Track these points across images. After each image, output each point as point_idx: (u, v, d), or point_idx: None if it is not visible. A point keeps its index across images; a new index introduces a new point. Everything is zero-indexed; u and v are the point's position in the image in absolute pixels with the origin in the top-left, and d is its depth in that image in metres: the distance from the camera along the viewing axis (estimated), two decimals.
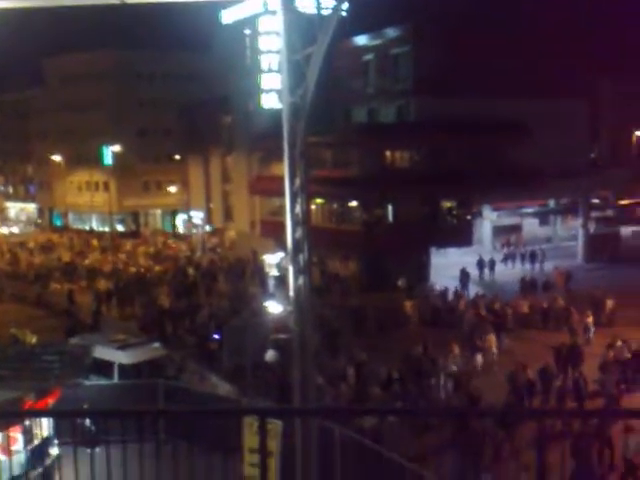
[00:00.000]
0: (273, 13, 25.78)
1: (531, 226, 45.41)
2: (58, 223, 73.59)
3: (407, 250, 35.79)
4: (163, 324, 28.58)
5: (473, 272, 35.38)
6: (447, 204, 39.00)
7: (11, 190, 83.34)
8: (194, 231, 58.33)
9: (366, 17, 36.30)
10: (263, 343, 23.14)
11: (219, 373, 22.47)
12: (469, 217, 39.16)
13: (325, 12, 14.85)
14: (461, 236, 37.92)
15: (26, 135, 74.22)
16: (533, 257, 38.42)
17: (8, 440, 14.01)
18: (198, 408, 5.88)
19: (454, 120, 36.06)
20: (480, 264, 36.81)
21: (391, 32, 40.72)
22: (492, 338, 23.87)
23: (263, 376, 21.99)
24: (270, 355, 22.58)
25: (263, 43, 41.15)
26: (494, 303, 28.85)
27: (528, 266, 38.20)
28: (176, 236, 60.77)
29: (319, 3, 14.80)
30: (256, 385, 21.27)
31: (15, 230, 64.98)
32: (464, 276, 34.37)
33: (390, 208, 38.06)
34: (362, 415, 16.60)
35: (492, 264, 37.29)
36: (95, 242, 56.87)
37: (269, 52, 40.35)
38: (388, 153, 39.71)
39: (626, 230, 47.01)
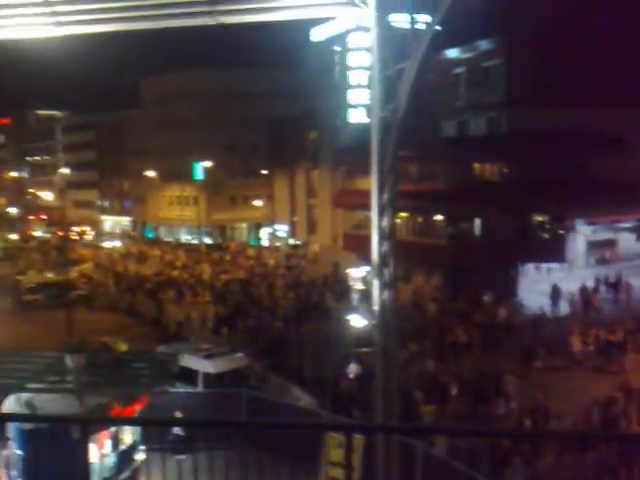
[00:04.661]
0: (365, 30, 25.88)
1: (627, 241, 43.32)
2: (150, 236, 76.34)
3: (495, 265, 34.86)
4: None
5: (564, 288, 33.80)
6: (538, 218, 37.77)
7: (107, 204, 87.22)
8: (277, 244, 59.08)
9: (457, 31, 35.89)
10: (345, 356, 23.01)
11: (300, 384, 22.48)
12: (562, 232, 37.72)
13: (419, 27, 14.73)
14: (553, 251, 36.55)
15: (123, 152, 77.66)
16: (617, 285, 35.71)
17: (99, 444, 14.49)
18: (287, 421, 5.86)
19: (547, 132, 34.98)
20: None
21: (483, 45, 40.24)
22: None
23: (345, 389, 21.86)
24: (352, 369, 22.41)
25: (353, 59, 41.40)
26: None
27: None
28: (261, 250, 61.66)
29: (413, 18, 14.65)
30: (337, 398, 21.15)
31: (117, 244, 67.88)
32: (555, 293, 33.04)
33: (478, 222, 37.26)
34: (447, 435, 16.13)
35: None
36: (183, 254, 58.42)
37: (359, 68, 40.58)
38: (477, 166, 38.97)
39: None
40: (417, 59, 14.33)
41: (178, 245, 66.46)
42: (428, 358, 24.20)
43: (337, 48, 44.70)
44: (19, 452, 13.92)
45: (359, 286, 33.61)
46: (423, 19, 14.93)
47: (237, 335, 30.60)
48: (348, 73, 41.86)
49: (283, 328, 30.16)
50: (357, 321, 23.59)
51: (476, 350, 26.57)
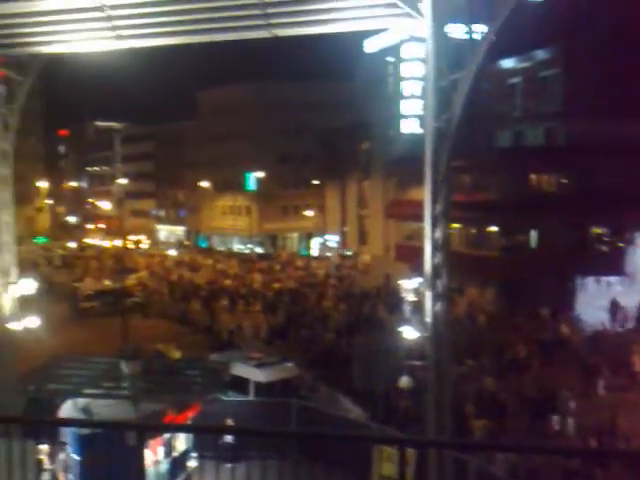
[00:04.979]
0: (419, 40, 25.78)
1: None
2: (203, 245, 77.51)
3: (551, 278, 34.04)
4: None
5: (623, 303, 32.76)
6: (597, 230, 36.78)
7: (163, 214, 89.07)
8: (328, 254, 59.13)
9: (514, 40, 35.42)
10: (396, 368, 22.78)
11: (349, 395, 22.36)
12: (621, 244, 36.63)
13: (474, 37, 14.62)
14: (612, 264, 35.48)
15: (179, 163, 79.27)
16: None
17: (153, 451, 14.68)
18: (340, 433, 5.81)
19: (607, 142, 34.05)
20: None
21: (540, 54, 39.53)
22: None
23: (395, 402, 21.63)
24: (404, 381, 22.17)
25: (406, 70, 41.35)
26: None
27: None
28: (311, 259, 61.76)
29: (469, 29, 14.55)
30: (387, 411, 20.94)
31: (172, 252, 68.99)
32: (614, 308, 32.07)
33: (533, 233, 36.51)
34: (501, 452, 15.78)
35: None
36: (235, 263, 58.96)
37: (412, 78, 40.51)
38: (533, 177, 38.24)
39: None
40: (472, 69, 14.20)
41: (230, 254, 67.24)
42: (486, 374, 23.72)
43: (390, 59, 44.70)
44: (75, 457, 14.22)
45: (411, 298, 33.30)
46: (478, 29, 14.80)
47: (290, 346, 30.61)
48: (401, 84, 41.84)
49: (335, 339, 30.09)
50: (409, 333, 23.33)
51: (535, 366, 25.94)
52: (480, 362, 25.18)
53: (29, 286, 19.30)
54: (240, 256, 64.95)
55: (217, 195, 73.20)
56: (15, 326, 18.26)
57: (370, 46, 47.97)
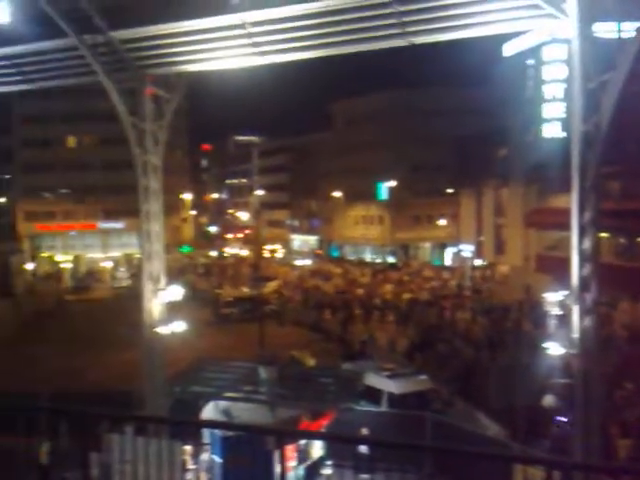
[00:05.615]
0: (561, 42, 24.62)
1: None
2: (335, 254, 78.45)
3: None
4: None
5: None
6: None
7: (297, 224, 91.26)
8: (462, 264, 57.73)
9: None
10: (539, 386, 21.69)
11: (486, 412, 21.53)
12: None
13: (624, 35, 13.76)
14: None
15: (312, 174, 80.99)
16: None
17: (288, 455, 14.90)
18: (484, 451, 5.56)
19: None
20: None
21: None
22: None
23: (538, 422, 20.56)
24: (548, 400, 21.05)
25: (548, 72, 39.89)
26: None
27: None
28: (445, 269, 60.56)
29: (619, 27, 13.72)
30: (529, 430, 19.94)
31: (306, 262, 70.34)
32: None
33: None
34: None
35: None
36: (367, 273, 58.98)
37: (554, 81, 38.98)
38: None
39: None
40: (623, 70, 13.34)
41: (361, 263, 67.48)
42: None
43: (530, 62, 43.15)
44: (217, 458, 14.72)
45: (556, 311, 31.68)
46: (630, 27, 13.87)
47: (424, 358, 29.96)
48: (542, 87, 40.30)
49: (475, 354, 29.13)
50: (554, 349, 22.16)
51: None
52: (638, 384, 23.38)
53: (176, 292, 20.34)
54: (370, 265, 65.00)
55: (349, 205, 73.87)
56: (164, 330, 19.32)
57: (509, 49, 46.49)
